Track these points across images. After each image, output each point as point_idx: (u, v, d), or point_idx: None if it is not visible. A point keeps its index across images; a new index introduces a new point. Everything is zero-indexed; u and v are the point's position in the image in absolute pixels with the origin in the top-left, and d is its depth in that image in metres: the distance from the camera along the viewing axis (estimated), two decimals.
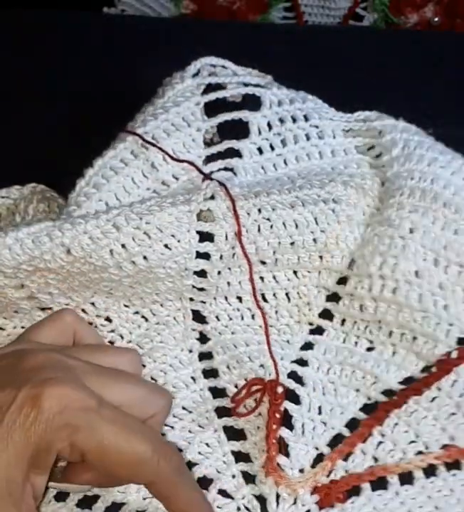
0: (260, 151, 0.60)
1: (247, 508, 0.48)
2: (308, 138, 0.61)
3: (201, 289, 0.55)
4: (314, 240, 0.55)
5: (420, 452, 0.50)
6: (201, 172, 0.56)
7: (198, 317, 0.56)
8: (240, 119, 0.60)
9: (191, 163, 0.57)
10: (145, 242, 0.51)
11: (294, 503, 0.47)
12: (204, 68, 0.62)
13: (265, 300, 0.56)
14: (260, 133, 0.60)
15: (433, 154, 0.58)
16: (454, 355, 0.52)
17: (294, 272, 0.56)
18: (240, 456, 0.50)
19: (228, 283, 0.55)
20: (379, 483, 0.49)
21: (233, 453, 0.50)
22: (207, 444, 0.50)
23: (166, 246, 0.52)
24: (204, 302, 0.55)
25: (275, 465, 0.48)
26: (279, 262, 0.55)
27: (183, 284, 0.54)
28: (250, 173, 0.58)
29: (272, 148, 0.60)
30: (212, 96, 0.60)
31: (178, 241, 0.53)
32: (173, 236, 0.52)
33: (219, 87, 0.61)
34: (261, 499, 0.48)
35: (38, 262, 0.49)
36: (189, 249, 0.53)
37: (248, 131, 0.60)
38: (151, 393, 0.47)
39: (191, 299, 0.55)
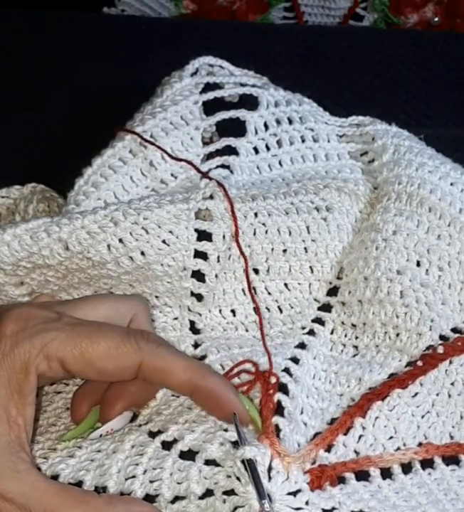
0: (256, 150, 0.60)
1: (237, 478, 0.46)
2: (303, 140, 0.61)
3: (199, 298, 0.54)
4: (305, 249, 0.56)
5: (398, 448, 0.50)
6: (198, 171, 0.56)
7: (194, 329, 0.55)
8: (238, 118, 0.60)
9: (189, 162, 0.57)
10: (143, 237, 0.51)
11: (287, 478, 0.46)
12: (202, 67, 0.62)
13: (257, 313, 0.56)
14: (256, 132, 0.60)
15: (422, 159, 0.59)
16: (440, 350, 0.52)
17: (286, 285, 0.56)
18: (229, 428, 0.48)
19: (224, 291, 0.55)
20: (362, 476, 0.48)
21: (221, 426, 0.48)
22: (194, 421, 0.48)
23: (164, 242, 0.52)
24: (200, 315, 0.55)
25: (274, 436, 0.47)
26: (271, 269, 0.56)
27: (181, 287, 0.54)
28: (246, 171, 0.58)
29: (267, 148, 0.60)
30: (210, 95, 0.60)
31: (177, 237, 0.52)
32: (171, 232, 0.52)
33: (217, 86, 0.61)
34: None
35: (36, 258, 0.49)
36: (187, 246, 0.53)
37: (245, 130, 0.60)
38: (122, 300, 0.48)
39: (189, 310, 0.55)
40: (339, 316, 0.55)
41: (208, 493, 0.45)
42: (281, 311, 0.56)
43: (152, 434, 0.48)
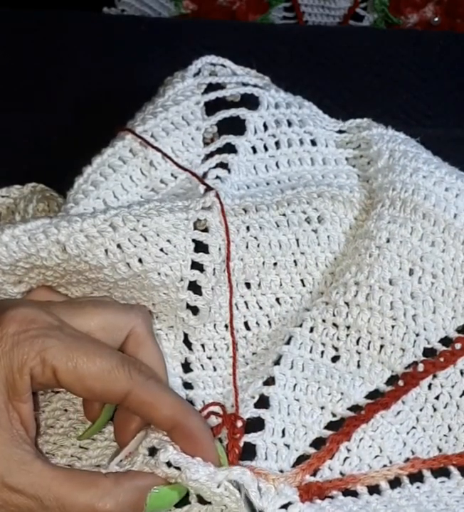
0: (254, 150, 0.60)
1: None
2: (301, 143, 0.61)
3: (194, 311, 0.54)
4: (295, 262, 0.56)
5: (384, 466, 0.50)
6: (203, 183, 0.56)
7: (187, 342, 0.55)
8: (238, 117, 0.60)
9: (194, 174, 0.57)
10: (141, 244, 0.51)
11: (277, 493, 0.45)
12: (205, 67, 0.62)
13: (247, 328, 0.56)
14: (255, 132, 0.60)
15: (417, 164, 0.58)
16: (420, 368, 0.52)
17: (277, 299, 0.56)
18: None
19: (219, 305, 0.55)
20: (349, 493, 0.49)
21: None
22: None
23: (161, 250, 0.52)
24: (194, 328, 0.55)
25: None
26: (263, 283, 0.56)
27: (178, 299, 0.53)
28: (243, 171, 0.58)
29: (265, 148, 0.60)
30: (212, 95, 0.60)
31: (175, 246, 0.52)
32: (169, 241, 0.52)
33: (219, 86, 0.61)
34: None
35: (34, 260, 0.49)
36: (185, 256, 0.53)
37: (245, 128, 0.60)
38: (121, 311, 0.48)
39: (184, 321, 0.54)
40: (320, 314, 0.55)
41: None
42: (270, 325, 0.56)
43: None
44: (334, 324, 0.54)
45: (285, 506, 0.45)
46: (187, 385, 0.54)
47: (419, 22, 0.98)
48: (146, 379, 0.45)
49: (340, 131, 0.63)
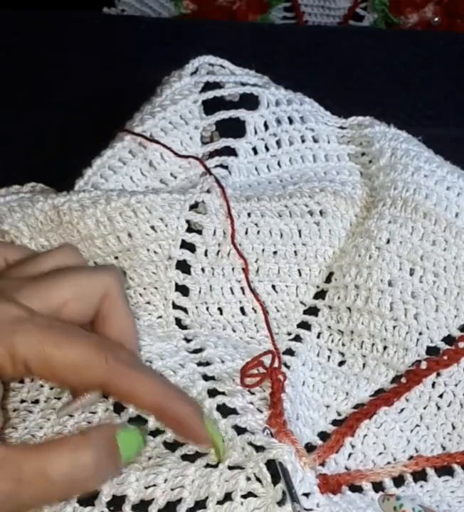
0: (255, 151, 0.60)
1: (258, 479, 0.43)
2: (303, 140, 0.61)
3: (184, 292, 0.54)
4: (295, 252, 0.56)
5: (389, 463, 0.50)
6: (204, 166, 0.56)
7: (180, 326, 0.54)
8: (238, 118, 0.60)
9: (196, 158, 0.57)
10: (131, 220, 0.52)
11: (303, 479, 0.44)
12: (202, 67, 0.62)
13: (244, 313, 0.55)
14: (256, 133, 0.60)
15: (419, 163, 0.58)
16: (423, 366, 0.52)
17: (273, 287, 0.56)
18: (241, 430, 0.46)
19: (211, 287, 0.54)
20: (355, 489, 0.48)
21: (234, 427, 0.46)
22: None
23: (152, 227, 0.52)
24: (186, 312, 0.54)
25: (290, 434, 0.46)
26: (260, 270, 0.55)
27: (166, 278, 0.53)
28: (244, 173, 0.59)
29: (267, 148, 0.60)
30: (210, 94, 0.60)
31: (166, 225, 0.53)
32: (161, 219, 0.53)
33: (217, 85, 0.61)
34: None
35: (32, 222, 0.52)
36: (175, 236, 0.53)
37: (245, 130, 0.60)
38: (94, 275, 0.47)
39: (174, 306, 0.54)
40: (325, 320, 0.55)
41: (227, 497, 0.43)
42: (267, 313, 0.56)
43: (168, 446, 0.46)
44: (339, 331, 0.55)
45: (306, 494, 0.44)
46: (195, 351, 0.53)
47: (419, 22, 0.98)
48: (125, 367, 0.43)
49: (341, 128, 0.63)
